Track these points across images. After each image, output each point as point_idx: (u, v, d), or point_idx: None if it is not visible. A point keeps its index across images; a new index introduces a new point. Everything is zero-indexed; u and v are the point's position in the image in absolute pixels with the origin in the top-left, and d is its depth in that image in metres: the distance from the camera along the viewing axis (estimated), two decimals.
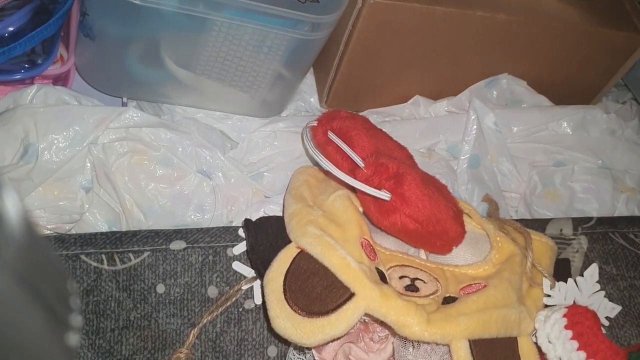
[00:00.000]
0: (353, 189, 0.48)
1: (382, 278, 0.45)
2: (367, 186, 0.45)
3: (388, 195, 0.45)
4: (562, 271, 0.54)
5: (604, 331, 0.51)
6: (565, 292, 0.51)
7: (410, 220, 0.45)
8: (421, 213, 0.45)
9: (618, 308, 0.52)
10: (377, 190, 0.45)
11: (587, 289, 0.51)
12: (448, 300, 0.46)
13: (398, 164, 0.46)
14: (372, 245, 0.47)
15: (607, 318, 0.52)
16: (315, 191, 0.52)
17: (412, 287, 0.46)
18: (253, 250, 0.49)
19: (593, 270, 0.51)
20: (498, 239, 0.50)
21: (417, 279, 0.47)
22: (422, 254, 0.51)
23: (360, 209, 0.49)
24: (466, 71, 0.67)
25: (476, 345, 0.43)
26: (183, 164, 0.57)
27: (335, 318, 0.42)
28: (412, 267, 0.48)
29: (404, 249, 0.50)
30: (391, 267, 0.48)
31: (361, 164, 0.47)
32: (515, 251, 0.49)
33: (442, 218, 0.46)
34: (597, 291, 0.51)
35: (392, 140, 0.55)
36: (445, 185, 0.51)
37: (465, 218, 0.51)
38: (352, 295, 0.42)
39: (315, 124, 0.52)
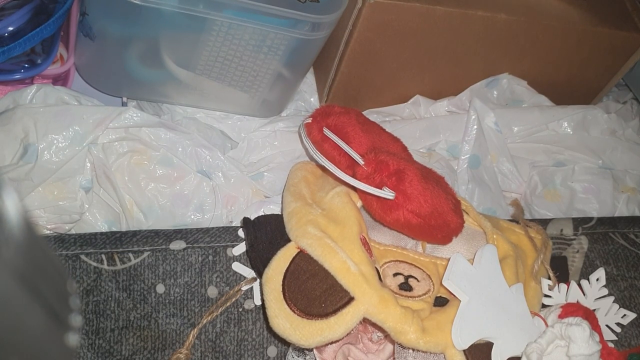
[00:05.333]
0: (353, 187, 0.48)
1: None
2: (369, 186, 0.45)
3: (392, 194, 0.45)
4: (559, 269, 0.54)
5: (614, 336, 0.51)
6: (565, 293, 0.51)
7: (413, 215, 0.45)
8: (423, 208, 0.45)
9: (632, 315, 0.52)
10: (380, 190, 0.45)
11: (592, 292, 0.51)
12: (439, 301, 0.46)
13: (398, 160, 0.46)
14: (368, 243, 0.47)
15: (618, 325, 0.52)
16: (314, 188, 0.52)
17: (405, 286, 0.46)
18: (252, 248, 0.49)
19: (599, 274, 0.51)
20: (495, 236, 0.50)
21: (411, 276, 0.47)
22: (419, 245, 0.51)
23: (359, 204, 0.50)
24: (466, 71, 0.67)
25: (471, 351, 0.43)
26: (183, 164, 0.57)
27: (334, 321, 0.42)
28: (406, 262, 0.48)
29: (401, 243, 0.50)
30: (385, 263, 0.48)
31: (361, 161, 0.47)
32: (510, 252, 0.49)
33: (443, 211, 0.46)
34: (605, 296, 0.51)
35: (386, 133, 0.55)
36: (442, 176, 0.51)
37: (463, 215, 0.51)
38: (351, 299, 0.43)
39: (310, 121, 0.52)
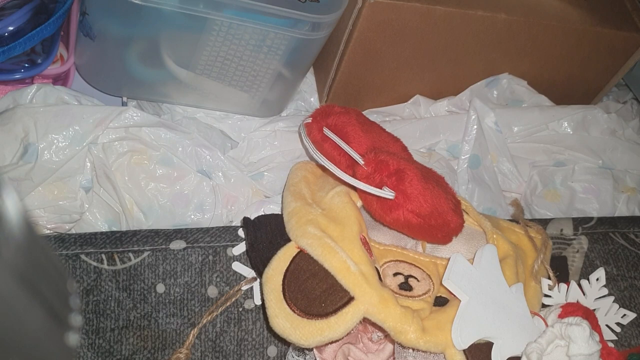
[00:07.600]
0: (353, 187, 0.48)
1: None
2: (369, 186, 0.45)
3: (392, 193, 0.45)
4: (559, 269, 0.54)
5: (614, 336, 0.51)
6: (565, 293, 0.51)
7: (413, 215, 0.45)
8: (423, 208, 0.45)
9: (632, 315, 0.52)
10: (380, 190, 0.45)
11: (592, 292, 0.51)
12: (439, 301, 0.46)
13: (398, 160, 0.46)
14: (368, 243, 0.47)
15: (618, 324, 0.52)
16: (314, 188, 0.52)
17: (405, 286, 0.46)
18: (252, 248, 0.49)
19: (599, 274, 0.51)
20: (495, 236, 0.50)
21: (411, 276, 0.47)
22: (419, 245, 0.51)
23: (359, 204, 0.50)
24: (467, 71, 0.67)
25: (471, 351, 0.43)
26: (183, 164, 0.57)
27: (335, 321, 0.42)
28: (406, 262, 0.48)
29: (401, 242, 0.50)
30: (385, 263, 0.48)
31: (360, 161, 0.47)
32: (510, 252, 0.49)
33: (443, 211, 0.46)
34: (605, 296, 0.51)
35: (386, 133, 0.55)
36: (442, 176, 0.51)
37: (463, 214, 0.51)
38: (351, 299, 0.43)
39: (310, 121, 0.52)
